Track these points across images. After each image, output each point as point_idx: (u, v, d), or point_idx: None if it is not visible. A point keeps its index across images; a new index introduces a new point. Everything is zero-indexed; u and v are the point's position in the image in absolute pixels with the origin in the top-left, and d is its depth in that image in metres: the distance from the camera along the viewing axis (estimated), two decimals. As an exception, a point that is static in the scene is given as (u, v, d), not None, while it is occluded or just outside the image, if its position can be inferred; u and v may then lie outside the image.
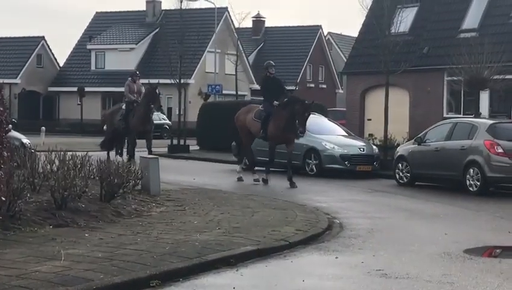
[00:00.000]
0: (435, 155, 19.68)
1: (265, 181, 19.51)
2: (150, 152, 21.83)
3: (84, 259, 8.86)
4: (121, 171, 13.48)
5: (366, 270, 9.31)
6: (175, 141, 33.99)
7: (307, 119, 19.09)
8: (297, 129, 19.02)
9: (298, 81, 63.15)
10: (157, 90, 22.90)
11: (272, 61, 21.05)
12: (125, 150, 24.05)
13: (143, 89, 23.66)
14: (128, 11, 63.28)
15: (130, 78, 23.91)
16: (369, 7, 28.97)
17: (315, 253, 10.55)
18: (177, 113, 36.33)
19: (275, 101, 19.47)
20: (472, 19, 32.63)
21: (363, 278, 8.93)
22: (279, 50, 66.75)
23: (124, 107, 23.36)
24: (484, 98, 29.09)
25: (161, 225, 11.75)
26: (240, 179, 20.09)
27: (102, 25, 62.09)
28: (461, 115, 29.08)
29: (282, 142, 19.75)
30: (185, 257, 9.15)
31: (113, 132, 23.85)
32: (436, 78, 32.49)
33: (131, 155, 22.65)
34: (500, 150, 17.97)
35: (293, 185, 18.76)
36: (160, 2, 61.24)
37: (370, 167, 22.77)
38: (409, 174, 20.62)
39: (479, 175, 18.04)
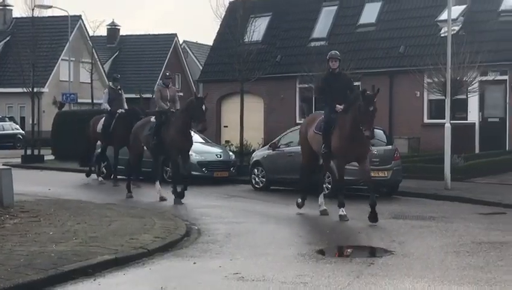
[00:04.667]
0: (289, 160, 20.11)
1: (342, 217, 14.45)
2: (186, 175, 17.98)
3: None
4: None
5: (223, 274, 9.38)
6: (29, 151, 33.03)
7: (373, 117, 13.75)
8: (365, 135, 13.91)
9: (155, 88, 62.91)
10: (203, 106, 17.22)
11: (336, 52, 15.41)
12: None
13: (177, 96, 19.36)
14: (-24, 19, 60.84)
15: (161, 82, 19.45)
16: (223, 16, 29.30)
17: (174, 259, 10.53)
18: (31, 122, 35.25)
19: (338, 106, 14.49)
20: (321, 28, 33.66)
21: (220, 282, 9.00)
22: (135, 58, 66.25)
23: (153, 119, 18.59)
24: (334, 104, 30.01)
25: (15, 237, 11.37)
26: (323, 213, 15.33)
27: (-50, 32, 59.45)
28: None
29: (352, 160, 14.86)
30: (40, 269, 8.90)
31: (138, 150, 19.16)
32: (289, 86, 33.25)
33: (176, 191, 17.50)
34: (350, 154, 18.49)
35: (374, 219, 13.86)
36: (11, 9, 59.43)
37: (227, 173, 23.03)
38: (264, 179, 21.02)
39: (330, 178, 18.58)
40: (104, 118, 22.32)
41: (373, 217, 13.85)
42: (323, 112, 15.29)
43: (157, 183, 18.45)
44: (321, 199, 15.75)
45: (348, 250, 11.70)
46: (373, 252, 11.30)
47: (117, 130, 21.50)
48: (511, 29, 27.99)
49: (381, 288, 8.58)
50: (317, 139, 15.14)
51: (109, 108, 22.02)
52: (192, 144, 18.43)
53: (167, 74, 19.80)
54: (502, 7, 28.89)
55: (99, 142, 23.24)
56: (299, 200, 15.95)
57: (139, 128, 19.00)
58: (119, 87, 22.58)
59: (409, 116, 29.39)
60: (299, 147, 19.80)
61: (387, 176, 18.76)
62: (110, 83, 22.98)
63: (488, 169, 23.24)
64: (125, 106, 22.34)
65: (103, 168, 23.75)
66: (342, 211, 14.49)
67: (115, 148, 21.84)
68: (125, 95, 23.04)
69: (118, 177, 21.86)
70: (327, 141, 14.64)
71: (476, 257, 10.59)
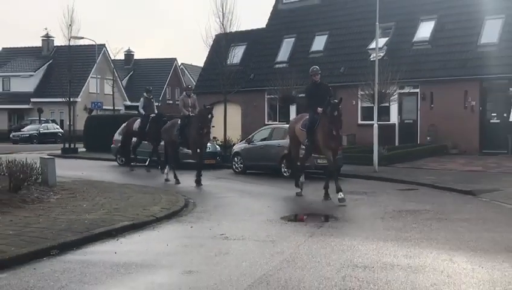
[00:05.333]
0: (261, 151, 20.17)
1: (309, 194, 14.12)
2: (201, 162, 17.44)
3: (-3, 237, 8.39)
4: (25, 168, 12.89)
5: (212, 234, 9.41)
6: (66, 145, 32.81)
7: (337, 119, 13.09)
8: (338, 135, 13.29)
9: (160, 98, 62.78)
10: (209, 115, 16.66)
11: (317, 67, 14.38)
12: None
13: (197, 103, 18.36)
14: (27, 47, 60.35)
15: (184, 93, 18.44)
16: (211, 45, 29.21)
17: (176, 224, 10.52)
18: (68, 123, 34.99)
19: (319, 108, 13.70)
20: (283, 54, 33.70)
21: (211, 240, 9.02)
22: (145, 76, 66.05)
23: (179, 122, 17.95)
24: (293, 110, 30.11)
25: (58, 208, 11.29)
26: (298, 194, 14.46)
27: (8, 57, 59.22)
28: (277, 122, 29.93)
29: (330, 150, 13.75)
30: (77, 232, 8.87)
31: (171, 146, 18.27)
32: (259, 96, 33.26)
33: (198, 177, 16.86)
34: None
35: (342, 201, 12.87)
36: (53, 40, 58.92)
37: (214, 161, 22.97)
38: (242, 165, 21.02)
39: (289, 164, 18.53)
40: (140, 120, 21.53)
41: (342, 200, 12.89)
42: (308, 114, 14.45)
43: (167, 168, 18.27)
44: (303, 178, 15.05)
45: (304, 217, 11.76)
46: (322, 218, 11.36)
47: (151, 129, 20.91)
48: (421, 55, 28.24)
49: (328, 244, 8.64)
50: (302, 134, 14.44)
51: (144, 112, 21.42)
52: (208, 140, 17.86)
53: (189, 86, 18.90)
54: (415, 39, 29.09)
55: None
56: (299, 184, 14.50)
57: (170, 128, 18.31)
58: (151, 96, 21.93)
59: (347, 119, 29.29)
60: (268, 142, 19.97)
61: (332, 163, 18.78)
62: (145, 94, 21.93)
63: (404, 157, 23.42)
64: (156, 111, 21.86)
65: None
66: (340, 195, 13.02)
67: (152, 144, 21.16)
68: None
69: (134, 164, 21.92)
70: (310, 136, 14.03)
71: (397, 221, 10.68)
